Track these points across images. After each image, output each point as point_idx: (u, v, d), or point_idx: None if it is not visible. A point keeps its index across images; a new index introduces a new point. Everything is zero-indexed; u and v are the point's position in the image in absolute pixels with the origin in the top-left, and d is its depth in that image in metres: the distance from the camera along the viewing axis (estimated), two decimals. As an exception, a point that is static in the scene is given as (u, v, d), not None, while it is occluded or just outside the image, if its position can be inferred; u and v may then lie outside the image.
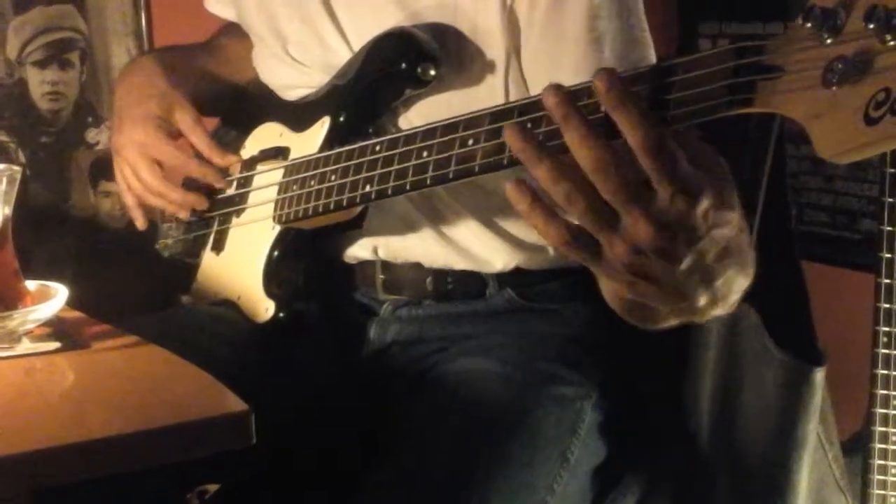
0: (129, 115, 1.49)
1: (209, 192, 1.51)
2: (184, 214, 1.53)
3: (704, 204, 0.88)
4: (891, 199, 1.53)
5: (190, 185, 1.51)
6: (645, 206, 0.86)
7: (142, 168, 1.48)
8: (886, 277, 1.53)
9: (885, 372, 1.54)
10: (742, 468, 1.38)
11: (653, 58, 1.24)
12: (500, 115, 1.06)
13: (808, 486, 1.37)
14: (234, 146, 1.53)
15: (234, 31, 1.62)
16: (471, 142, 1.09)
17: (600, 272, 0.94)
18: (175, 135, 1.49)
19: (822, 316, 1.38)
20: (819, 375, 1.32)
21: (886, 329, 1.53)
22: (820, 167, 2.38)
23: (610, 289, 1.02)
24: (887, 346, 1.53)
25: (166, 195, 1.49)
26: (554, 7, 1.23)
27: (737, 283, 0.98)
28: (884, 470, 1.56)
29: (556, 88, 0.89)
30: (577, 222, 0.89)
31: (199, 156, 1.51)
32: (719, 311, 0.99)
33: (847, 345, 1.59)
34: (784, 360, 1.32)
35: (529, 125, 1.01)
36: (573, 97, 0.90)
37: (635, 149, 0.86)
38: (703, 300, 0.96)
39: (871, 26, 0.79)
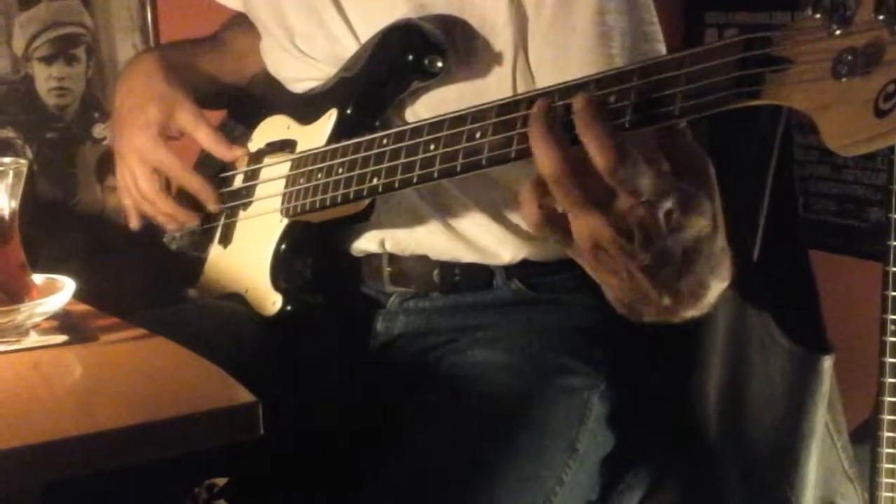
0: (129, 121, 1.49)
1: (201, 207, 1.51)
2: (173, 227, 1.53)
3: (667, 206, 0.91)
4: (899, 188, 1.53)
5: (186, 197, 1.51)
6: (602, 210, 0.91)
7: (140, 176, 1.48)
8: (894, 266, 1.53)
9: (894, 360, 1.53)
10: (750, 457, 1.38)
11: (663, 52, 1.23)
12: (507, 107, 1.06)
13: (817, 476, 1.37)
14: (240, 139, 1.53)
15: (241, 23, 1.61)
16: (478, 135, 1.09)
17: (571, 254, 0.98)
18: (179, 135, 1.49)
19: (829, 305, 1.38)
20: (827, 364, 1.32)
21: (894, 317, 1.53)
22: (827, 156, 2.38)
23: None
24: (895, 334, 1.53)
25: (159, 207, 1.49)
26: (562, 2, 1.23)
27: (707, 286, 1.00)
28: (892, 458, 1.55)
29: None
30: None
31: (206, 155, 1.51)
32: (691, 311, 1.02)
33: (855, 333, 1.59)
34: (792, 349, 1.32)
35: None
36: (550, 97, 0.96)
37: (599, 169, 0.90)
38: (665, 300, 0.98)
39: (881, 18, 0.78)
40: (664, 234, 0.92)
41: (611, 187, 0.90)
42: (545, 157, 0.92)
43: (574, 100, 0.92)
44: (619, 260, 0.93)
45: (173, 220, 1.51)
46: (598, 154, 0.89)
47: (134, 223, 1.55)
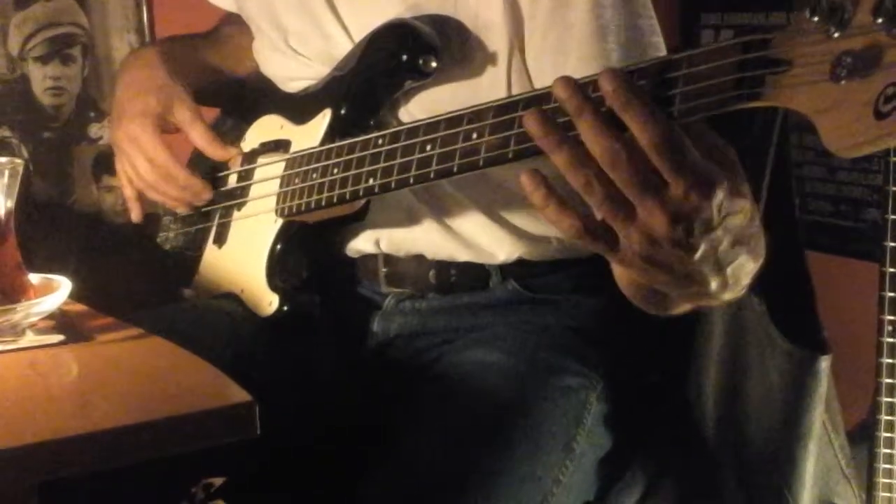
0: (128, 110, 1.49)
1: (211, 184, 1.51)
2: (182, 209, 1.53)
3: (719, 196, 0.90)
4: (895, 188, 1.53)
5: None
6: (660, 198, 0.88)
7: (139, 163, 1.48)
8: (891, 266, 1.53)
9: (890, 361, 1.54)
10: (747, 457, 1.38)
11: (661, 45, 1.23)
12: (504, 108, 1.06)
13: (814, 475, 1.37)
14: (234, 138, 1.52)
15: (235, 22, 1.61)
16: (475, 135, 1.08)
17: (615, 261, 0.95)
18: (174, 130, 1.49)
19: (826, 305, 1.38)
20: (824, 364, 1.32)
21: (891, 318, 1.53)
22: (823, 157, 2.38)
23: (624, 276, 1.04)
24: (892, 334, 1.53)
25: (165, 191, 1.48)
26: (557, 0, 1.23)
27: (747, 268, 0.99)
28: (890, 458, 1.55)
29: (566, 80, 0.90)
30: (594, 211, 0.91)
31: (200, 154, 1.51)
32: (730, 295, 1.01)
33: (852, 334, 1.59)
34: (789, 350, 1.32)
35: None
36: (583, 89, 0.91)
37: (645, 148, 0.87)
38: (714, 285, 0.97)
39: (880, 20, 0.78)
40: (717, 222, 0.91)
41: (660, 174, 0.88)
42: (596, 139, 0.88)
43: (601, 81, 0.88)
44: (675, 253, 0.91)
45: (179, 202, 1.51)
46: (643, 130, 0.87)
47: (136, 216, 1.55)
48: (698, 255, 0.92)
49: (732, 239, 0.94)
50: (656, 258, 0.92)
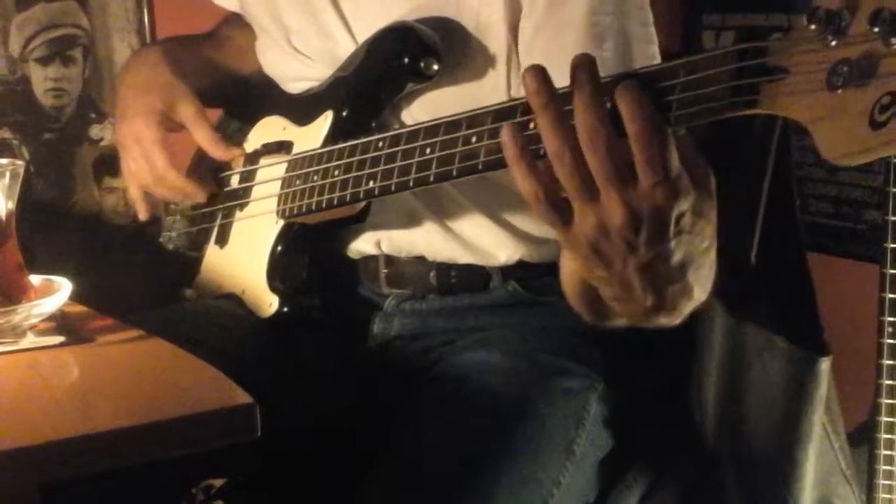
0: (132, 107, 1.50)
1: (214, 181, 1.51)
2: (185, 203, 1.53)
3: (682, 205, 0.91)
4: (895, 190, 1.53)
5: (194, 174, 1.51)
6: (624, 191, 0.90)
7: (140, 162, 1.48)
8: (892, 268, 1.53)
9: (891, 362, 1.54)
10: (748, 459, 1.38)
11: (656, 53, 1.23)
12: (503, 113, 1.06)
13: (815, 477, 1.37)
14: (237, 138, 1.53)
15: (237, 22, 1.61)
16: (474, 139, 1.09)
17: (562, 238, 0.96)
18: (178, 128, 1.50)
19: (826, 307, 1.38)
20: (824, 366, 1.32)
21: (892, 319, 1.53)
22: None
23: (567, 270, 1.04)
24: (893, 336, 1.53)
25: (169, 183, 1.49)
26: (555, 2, 1.23)
27: (689, 296, 1.00)
28: (890, 460, 1.55)
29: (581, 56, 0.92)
30: (562, 182, 0.92)
31: (203, 153, 1.51)
32: (664, 319, 1.02)
33: (852, 335, 1.59)
34: (789, 351, 1.32)
35: (533, 125, 1.01)
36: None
37: (632, 134, 0.88)
38: (648, 300, 0.98)
39: (877, 29, 0.78)
40: (671, 233, 0.92)
41: (634, 167, 0.89)
42: (585, 118, 0.90)
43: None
44: (620, 250, 0.93)
45: (184, 195, 1.52)
46: (635, 117, 0.88)
47: (143, 214, 1.55)
48: (641, 259, 0.93)
49: (682, 259, 0.94)
50: (601, 248, 0.93)
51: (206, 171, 1.52)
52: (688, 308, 1.02)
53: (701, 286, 1.00)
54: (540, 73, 0.92)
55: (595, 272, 0.97)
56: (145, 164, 1.48)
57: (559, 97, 0.92)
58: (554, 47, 1.22)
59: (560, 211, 0.93)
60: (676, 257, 0.94)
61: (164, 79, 1.49)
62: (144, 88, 1.50)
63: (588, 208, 0.92)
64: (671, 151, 0.88)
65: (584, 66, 0.91)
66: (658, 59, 1.22)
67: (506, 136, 0.93)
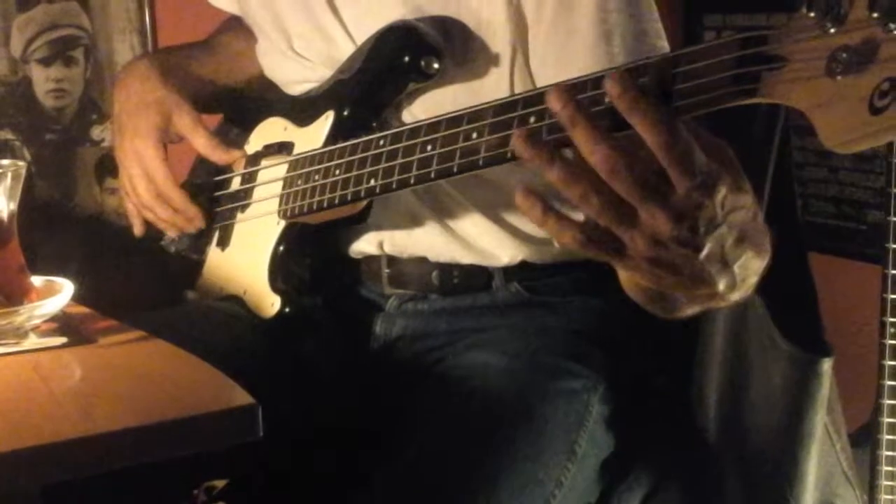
0: (130, 125, 1.49)
1: (206, 207, 1.51)
2: (171, 233, 1.53)
3: (722, 192, 0.89)
4: (897, 190, 1.53)
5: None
6: (661, 200, 0.88)
7: (138, 182, 1.48)
8: (894, 268, 1.52)
9: (893, 363, 1.53)
10: (750, 460, 1.38)
11: (666, 48, 1.23)
12: (503, 108, 1.06)
13: (816, 478, 1.37)
14: (238, 141, 1.53)
15: (236, 26, 1.61)
16: (474, 135, 1.09)
17: (621, 266, 0.95)
18: (177, 140, 1.50)
19: (828, 307, 1.38)
20: (826, 367, 1.32)
21: (894, 320, 1.53)
22: (825, 158, 2.37)
23: (631, 281, 1.03)
24: (894, 336, 1.53)
25: (158, 213, 1.49)
26: (562, 2, 1.23)
27: (754, 265, 0.99)
28: (892, 461, 1.55)
29: (559, 91, 0.90)
30: (597, 220, 0.90)
31: (203, 158, 1.51)
32: (738, 294, 1.00)
33: (854, 336, 1.59)
34: (791, 352, 1.32)
35: (533, 118, 1.01)
36: (576, 90, 0.91)
37: (653, 148, 0.87)
38: (722, 285, 0.96)
39: (875, 15, 0.78)
40: (721, 219, 0.90)
41: (663, 175, 0.88)
42: (594, 148, 0.87)
43: (607, 84, 0.88)
44: (681, 254, 0.91)
45: (172, 226, 1.51)
46: (650, 131, 0.86)
47: (138, 230, 1.55)
48: (704, 253, 0.91)
49: (737, 235, 0.93)
50: (663, 260, 0.92)
51: (205, 198, 1.52)
52: (755, 277, 1.00)
53: (761, 252, 0.99)
54: (522, 145, 0.90)
55: (665, 281, 0.95)
56: (143, 184, 1.48)
57: (554, 149, 0.90)
58: (564, 49, 1.23)
59: (609, 244, 0.91)
60: (733, 236, 0.93)
61: (157, 92, 1.48)
62: (139, 105, 1.49)
63: (634, 230, 0.90)
64: (695, 152, 0.87)
65: (566, 103, 0.89)
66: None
67: (521, 197, 0.91)
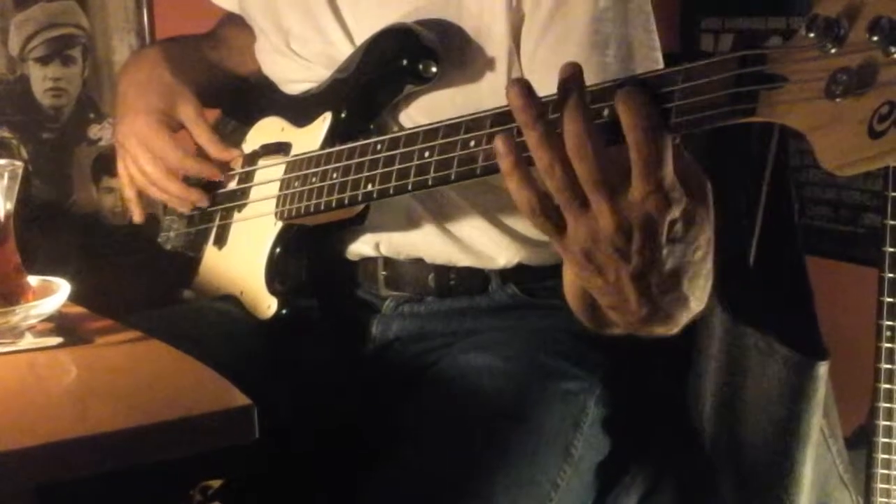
0: (132, 107, 1.50)
1: (211, 188, 1.51)
2: (185, 209, 1.53)
3: (674, 214, 0.90)
4: (894, 194, 1.53)
5: (192, 180, 1.51)
6: (614, 199, 0.89)
7: (144, 160, 1.48)
8: (890, 272, 1.53)
9: (889, 366, 1.54)
10: (746, 463, 1.38)
11: (659, 59, 1.23)
12: (503, 116, 1.05)
13: (812, 481, 1.37)
14: (235, 139, 1.53)
15: (236, 22, 1.61)
16: (472, 143, 1.08)
17: (559, 247, 0.96)
18: (177, 127, 1.50)
19: (825, 310, 1.38)
20: (822, 370, 1.32)
21: (890, 323, 1.53)
22: (823, 162, 2.37)
23: (568, 278, 1.04)
24: (891, 340, 1.53)
25: (168, 188, 1.49)
26: (558, 8, 1.23)
27: (687, 306, 0.99)
28: (888, 464, 1.56)
29: (568, 66, 0.91)
30: (552, 192, 0.91)
31: (200, 150, 1.51)
32: (660, 329, 1.01)
33: (850, 339, 1.59)
34: (787, 355, 1.32)
35: None
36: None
37: (631, 142, 0.87)
38: (644, 310, 0.97)
39: (875, 38, 0.78)
40: (662, 242, 0.91)
41: (627, 178, 0.88)
42: (573, 122, 0.89)
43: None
44: (611, 259, 0.92)
45: (183, 202, 1.51)
46: (633, 124, 0.87)
47: (138, 216, 1.55)
48: (631, 267, 0.92)
49: (674, 267, 0.94)
50: (593, 257, 0.93)
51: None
52: (684, 318, 1.01)
53: (696, 296, 0.99)
54: (524, 88, 0.91)
55: (590, 281, 0.97)
56: (151, 162, 1.48)
57: (545, 110, 0.91)
58: (557, 55, 1.22)
59: (554, 220, 0.92)
60: (669, 266, 0.93)
61: (164, 79, 1.50)
62: (144, 89, 1.50)
63: (580, 218, 0.91)
64: (668, 161, 0.88)
65: (571, 76, 0.91)
66: (661, 65, 1.21)
67: (500, 145, 0.92)
